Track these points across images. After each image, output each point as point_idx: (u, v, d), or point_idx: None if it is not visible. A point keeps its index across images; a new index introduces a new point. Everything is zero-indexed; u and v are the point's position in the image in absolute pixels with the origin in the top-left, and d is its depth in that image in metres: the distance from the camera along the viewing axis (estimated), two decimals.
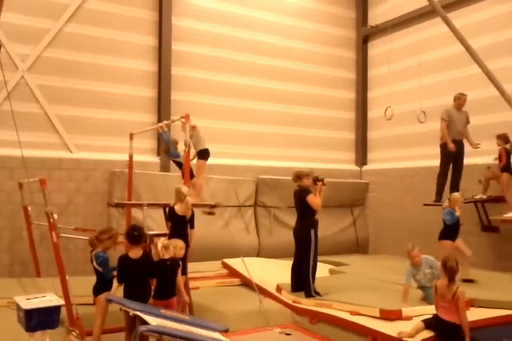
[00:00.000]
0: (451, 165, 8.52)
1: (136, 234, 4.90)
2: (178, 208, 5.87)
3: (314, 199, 6.32)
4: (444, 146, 8.40)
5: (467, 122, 8.56)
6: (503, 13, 8.98)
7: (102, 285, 4.97)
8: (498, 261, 8.17)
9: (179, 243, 5.36)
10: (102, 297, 4.85)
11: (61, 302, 4.44)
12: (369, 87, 12.10)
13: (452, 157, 8.40)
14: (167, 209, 6.11)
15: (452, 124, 8.40)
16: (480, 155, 8.93)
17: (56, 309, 4.28)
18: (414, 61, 9.80)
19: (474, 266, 8.30)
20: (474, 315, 5.32)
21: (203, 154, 7.30)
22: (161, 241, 5.11)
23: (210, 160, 9.30)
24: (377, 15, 11.73)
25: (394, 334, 4.86)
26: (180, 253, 5.31)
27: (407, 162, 10.62)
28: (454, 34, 2.80)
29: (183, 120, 6.66)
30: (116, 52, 9.29)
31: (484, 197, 8.45)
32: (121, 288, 4.90)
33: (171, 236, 5.74)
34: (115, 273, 4.93)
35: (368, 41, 12.11)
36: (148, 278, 4.91)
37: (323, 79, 11.67)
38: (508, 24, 8.87)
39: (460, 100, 8.44)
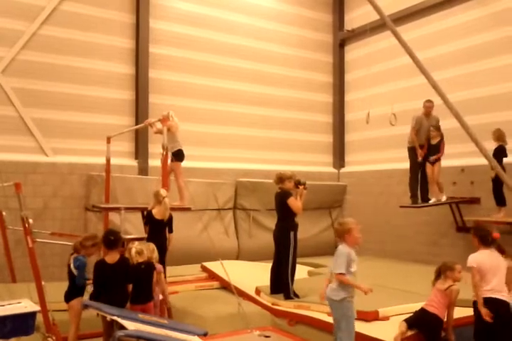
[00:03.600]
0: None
1: (112, 239, 4.87)
2: (157, 212, 5.87)
3: (295, 203, 6.36)
4: (412, 150, 8.68)
5: (438, 127, 8.60)
6: (476, 17, 9.22)
7: (74, 291, 4.93)
8: None
9: (150, 245, 5.32)
10: (75, 302, 4.80)
11: (36, 308, 4.38)
12: (346, 91, 12.23)
13: (418, 161, 8.62)
14: (145, 213, 6.09)
15: (422, 131, 8.66)
16: (454, 158, 9.13)
17: (31, 315, 4.23)
18: (389, 65, 9.99)
19: None
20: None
21: (179, 155, 7.16)
22: (134, 246, 5.08)
23: (190, 164, 9.35)
24: (353, 20, 11.88)
25: (371, 334, 4.92)
26: (153, 255, 5.26)
27: (384, 164, 10.76)
28: (402, 46, 2.88)
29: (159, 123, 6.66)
30: (92, 55, 9.20)
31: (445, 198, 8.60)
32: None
33: (149, 240, 5.72)
34: (88, 281, 4.90)
35: (344, 45, 12.25)
36: (126, 283, 4.87)
37: (301, 82, 11.76)
38: (481, 29, 9.11)
39: (425, 107, 8.70)
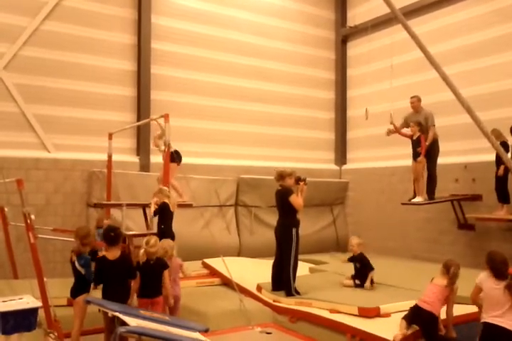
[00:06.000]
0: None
1: (112, 235, 4.86)
2: (171, 204, 6.02)
3: (297, 200, 6.35)
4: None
5: (426, 123, 8.42)
6: (480, 14, 9.17)
7: (81, 287, 4.93)
8: (474, 258, 8.32)
9: (170, 242, 5.48)
10: (82, 298, 4.81)
11: (38, 304, 4.39)
12: (348, 87, 12.21)
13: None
14: (151, 207, 6.13)
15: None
16: (456, 155, 9.11)
17: (33, 311, 4.23)
18: (392, 61, 9.94)
19: None
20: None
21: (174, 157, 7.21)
22: (148, 246, 5.08)
23: (192, 160, 9.36)
24: (356, 16, 11.84)
25: (372, 331, 4.93)
26: (173, 251, 5.42)
27: (386, 161, 10.76)
28: (414, 40, 2.84)
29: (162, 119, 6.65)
30: (94, 51, 9.19)
31: (421, 199, 8.43)
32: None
33: (167, 232, 5.91)
34: None
35: (347, 41, 12.22)
36: (127, 280, 4.88)
37: (303, 79, 11.74)
38: (485, 25, 9.07)
39: (410, 103, 8.61)
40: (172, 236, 5.96)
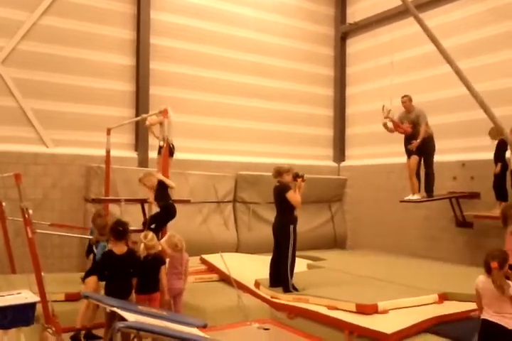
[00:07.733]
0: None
1: (121, 229, 4.88)
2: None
3: (294, 196, 6.35)
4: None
5: (418, 121, 8.37)
6: (475, 13, 9.15)
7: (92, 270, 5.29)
8: (473, 255, 8.35)
9: (179, 236, 5.63)
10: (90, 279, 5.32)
11: (36, 298, 4.39)
12: (347, 84, 12.18)
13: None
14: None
15: None
16: (454, 152, 9.11)
17: (31, 306, 4.23)
18: (390, 59, 9.92)
19: (450, 261, 8.51)
20: (448, 308, 5.46)
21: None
22: (146, 241, 5.13)
23: (190, 156, 9.35)
24: (356, 13, 11.81)
25: (370, 327, 4.93)
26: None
27: (384, 158, 10.74)
28: (426, 34, 2.84)
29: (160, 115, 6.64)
30: (93, 46, 9.14)
31: (417, 197, 8.49)
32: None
33: (170, 205, 6.26)
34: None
35: (346, 38, 12.18)
36: (131, 275, 4.89)
37: (302, 75, 11.71)
38: (480, 24, 9.05)
39: (401, 102, 8.52)
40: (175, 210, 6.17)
